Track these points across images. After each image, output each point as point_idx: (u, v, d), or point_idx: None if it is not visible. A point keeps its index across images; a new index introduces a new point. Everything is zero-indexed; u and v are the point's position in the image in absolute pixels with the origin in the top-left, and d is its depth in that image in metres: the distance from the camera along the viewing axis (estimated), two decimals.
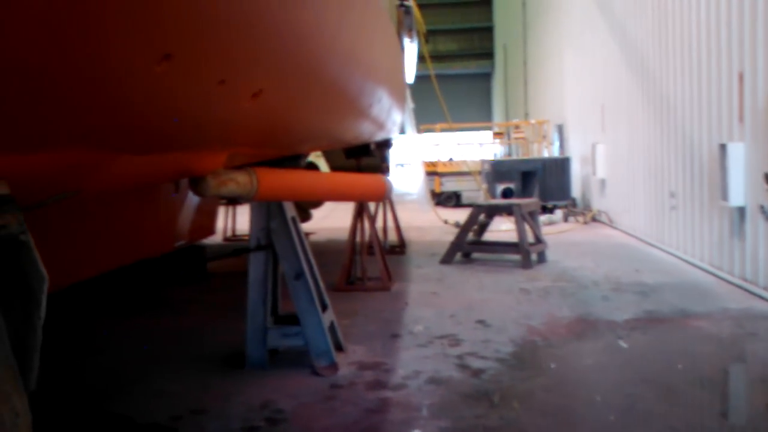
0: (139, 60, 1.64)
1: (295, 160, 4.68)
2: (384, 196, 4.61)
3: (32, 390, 1.65)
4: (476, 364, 4.61)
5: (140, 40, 1.59)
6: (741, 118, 6.79)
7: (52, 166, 1.81)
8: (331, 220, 13.96)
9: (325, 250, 9.88)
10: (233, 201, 10.21)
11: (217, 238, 10.27)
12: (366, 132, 5.88)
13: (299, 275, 4.59)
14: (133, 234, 4.76)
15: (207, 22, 1.79)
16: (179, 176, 2.76)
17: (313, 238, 9.40)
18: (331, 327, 4.88)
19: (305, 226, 9.27)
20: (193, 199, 5.86)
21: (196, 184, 2.87)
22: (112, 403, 4.05)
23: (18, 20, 1.20)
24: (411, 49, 9.29)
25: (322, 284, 4.96)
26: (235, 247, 5.29)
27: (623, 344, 5.01)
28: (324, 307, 4.82)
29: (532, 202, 9.57)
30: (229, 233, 11.61)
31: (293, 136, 3.46)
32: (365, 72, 3.95)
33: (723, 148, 6.96)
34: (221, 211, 10.21)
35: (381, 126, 6.65)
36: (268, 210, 4.59)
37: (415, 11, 10.44)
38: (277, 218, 4.60)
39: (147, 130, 1.98)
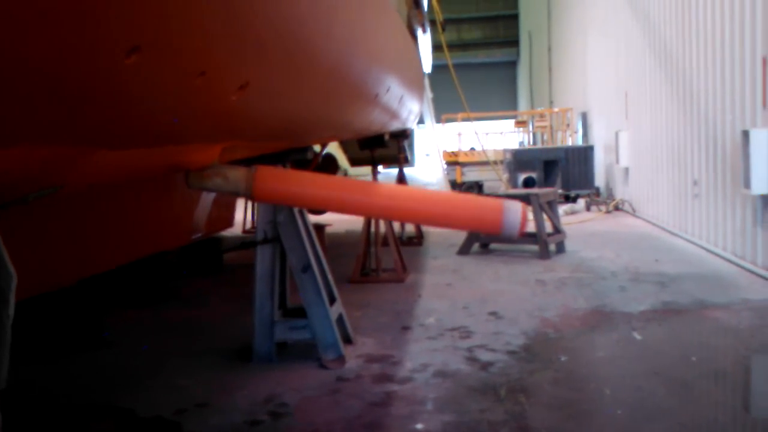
0: (103, 53, 1.60)
1: (301, 152, 4.64)
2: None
3: (2, 388, 1.63)
4: (485, 356, 4.55)
5: (104, 33, 1.55)
6: (765, 104, 6.60)
7: (25, 162, 1.79)
8: None
9: (342, 242, 9.85)
10: None
11: (236, 230, 10.30)
12: (376, 122, 5.82)
13: (306, 268, 4.56)
14: (149, 227, 4.77)
15: (177, 12, 1.74)
16: (171, 170, 2.74)
17: (331, 229, 9.37)
18: (340, 319, 4.85)
19: (322, 218, 9.26)
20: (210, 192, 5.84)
21: (187, 177, 2.85)
22: (119, 396, 4.07)
23: None
24: (425, 38, 9.19)
25: (330, 276, 4.93)
26: (244, 240, 5.26)
27: (637, 336, 4.91)
28: (332, 300, 4.79)
29: (550, 191, 9.44)
30: (248, 225, 11.63)
31: (291, 129, 3.41)
32: (366, 60, 3.88)
33: (746, 134, 6.78)
34: (240, 203, 10.22)
35: (394, 116, 6.58)
36: None
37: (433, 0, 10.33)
38: (284, 211, 4.57)
39: (122, 124, 1.95)
